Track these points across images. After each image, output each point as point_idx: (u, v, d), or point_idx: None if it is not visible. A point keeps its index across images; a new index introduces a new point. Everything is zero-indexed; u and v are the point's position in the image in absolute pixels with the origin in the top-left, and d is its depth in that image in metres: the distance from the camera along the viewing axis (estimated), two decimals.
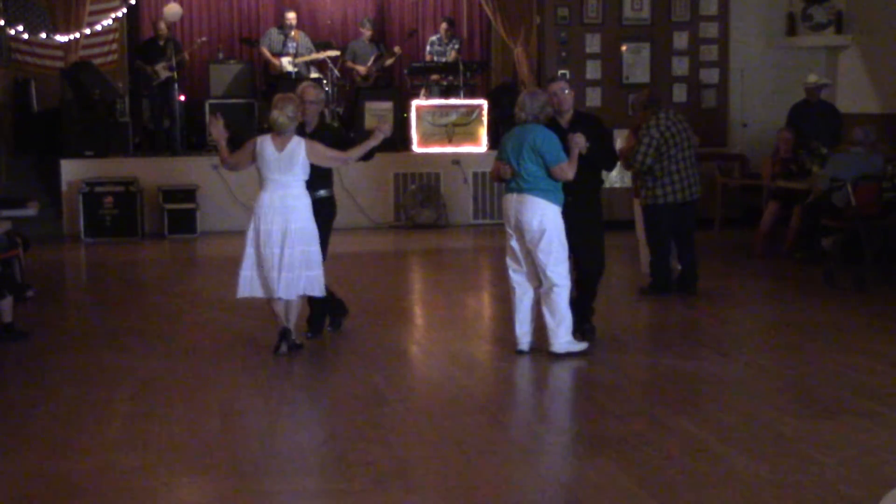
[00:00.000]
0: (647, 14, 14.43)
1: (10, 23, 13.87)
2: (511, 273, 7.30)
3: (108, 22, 14.64)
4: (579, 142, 7.10)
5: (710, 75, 14.62)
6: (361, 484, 4.92)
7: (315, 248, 7.30)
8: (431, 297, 10.24)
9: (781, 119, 12.84)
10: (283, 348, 7.31)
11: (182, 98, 14.50)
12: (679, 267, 9.47)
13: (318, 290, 7.36)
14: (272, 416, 6.06)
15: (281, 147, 7.18)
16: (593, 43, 14.41)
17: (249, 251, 7.27)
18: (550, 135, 7.06)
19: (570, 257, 7.29)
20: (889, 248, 10.05)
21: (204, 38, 15.65)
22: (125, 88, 14.89)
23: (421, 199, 14.03)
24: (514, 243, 7.21)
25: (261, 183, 7.30)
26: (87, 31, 14.20)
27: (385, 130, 7.64)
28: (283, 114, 7.15)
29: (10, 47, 14.79)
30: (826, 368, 6.95)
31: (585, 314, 7.69)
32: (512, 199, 7.16)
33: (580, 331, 7.48)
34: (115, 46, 15.20)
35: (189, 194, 13.38)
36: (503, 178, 7.21)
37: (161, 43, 14.34)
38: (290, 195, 7.21)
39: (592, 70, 14.37)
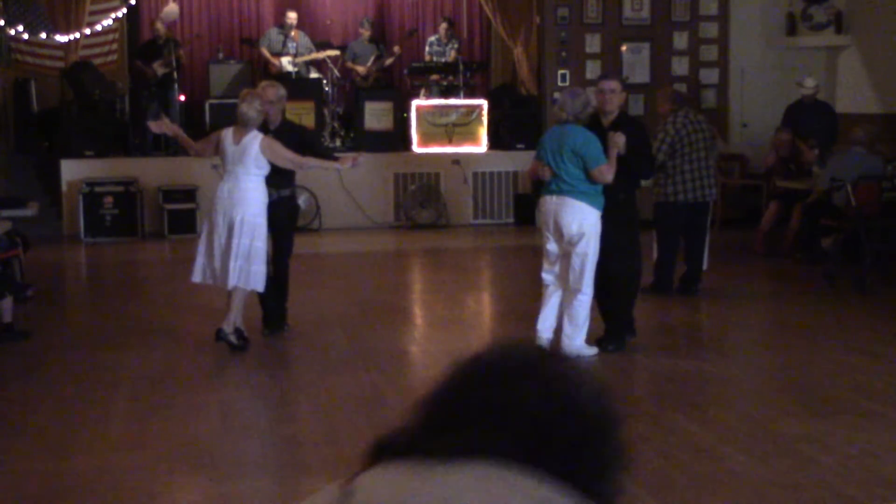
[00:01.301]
0: (647, 14, 14.43)
1: (10, 23, 13.86)
2: (543, 274, 7.20)
3: (108, 22, 14.62)
4: (618, 141, 6.93)
5: (710, 75, 14.61)
6: None
7: (259, 243, 7.33)
8: (431, 297, 10.23)
9: (781, 119, 12.84)
10: (233, 340, 7.38)
11: (182, 98, 14.49)
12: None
13: (259, 285, 7.40)
14: (272, 416, 6.06)
15: (238, 140, 7.30)
16: (593, 43, 14.41)
17: (202, 237, 7.50)
18: (591, 136, 6.89)
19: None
20: (889, 248, 10.05)
21: (198, 34, 15.64)
22: (125, 88, 14.88)
23: (421, 199, 14.03)
24: (550, 246, 7.09)
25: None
26: (87, 31, 14.19)
27: (359, 162, 7.85)
28: (251, 107, 7.26)
29: (10, 47, 14.78)
30: (826, 368, 6.95)
31: (621, 324, 7.40)
32: (551, 202, 7.00)
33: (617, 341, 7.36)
34: (115, 46, 15.17)
35: (189, 194, 13.37)
36: (542, 179, 7.04)
37: (160, 43, 14.35)
38: (238, 188, 7.30)
39: (592, 70, 14.34)
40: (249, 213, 7.28)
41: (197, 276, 7.51)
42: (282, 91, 7.77)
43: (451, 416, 1.54)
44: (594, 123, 7.10)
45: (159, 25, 14.49)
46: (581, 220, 6.89)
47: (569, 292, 7.06)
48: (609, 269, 7.26)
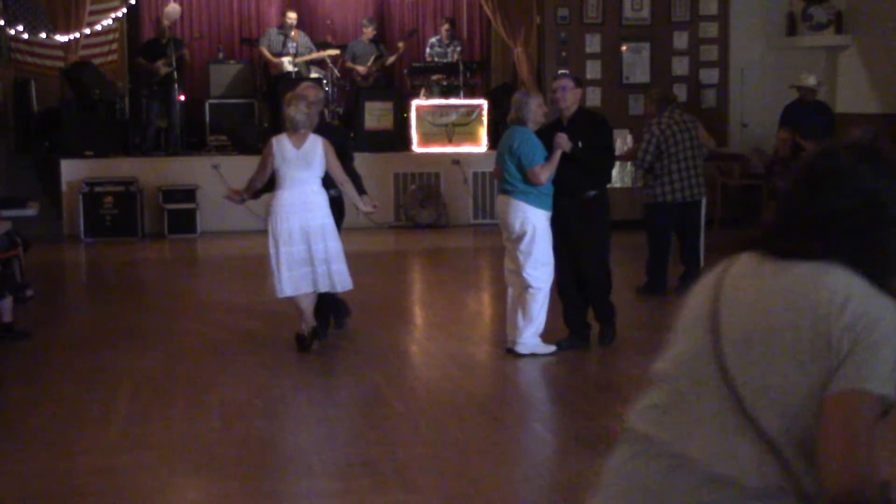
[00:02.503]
0: (647, 14, 14.43)
1: (10, 23, 13.86)
2: (505, 272, 7.31)
3: (108, 22, 14.62)
4: (560, 142, 7.03)
5: (710, 75, 14.62)
6: (361, 484, 4.92)
7: (337, 243, 7.35)
8: (431, 297, 10.24)
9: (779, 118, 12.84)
10: (316, 345, 7.37)
11: (182, 98, 14.48)
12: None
13: (347, 285, 7.41)
14: (272, 416, 6.06)
15: (299, 144, 7.20)
16: (593, 43, 14.41)
17: (283, 250, 7.19)
18: (529, 137, 7.01)
19: (569, 264, 7.25)
20: None
21: (200, 35, 15.64)
22: (125, 88, 14.89)
23: (421, 199, 14.03)
24: (506, 244, 7.24)
25: (278, 182, 7.25)
26: (87, 31, 14.19)
27: (373, 210, 7.97)
28: (299, 111, 7.18)
29: (10, 47, 14.78)
30: None
31: (608, 318, 7.49)
32: (500, 202, 7.23)
33: (601, 338, 7.45)
34: (115, 46, 15.17)
35: (189, 194, 13.37)
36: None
37: (163, 41, 14.33)
38: (308, 192, 7.22)
39: (592, 70, 14.36)
40: (325, 216, 7.26)
41: (288, 290, 7.21)
42: (321, 93, 7.80)
43: (788, 220, 2.12)
44: (556, 123, 7.26)
45: (165, 23, 14.47)
46: (523, 218, 6.99)
47: (522, 289, 7.13)
48: (583, 271, 7.31)
